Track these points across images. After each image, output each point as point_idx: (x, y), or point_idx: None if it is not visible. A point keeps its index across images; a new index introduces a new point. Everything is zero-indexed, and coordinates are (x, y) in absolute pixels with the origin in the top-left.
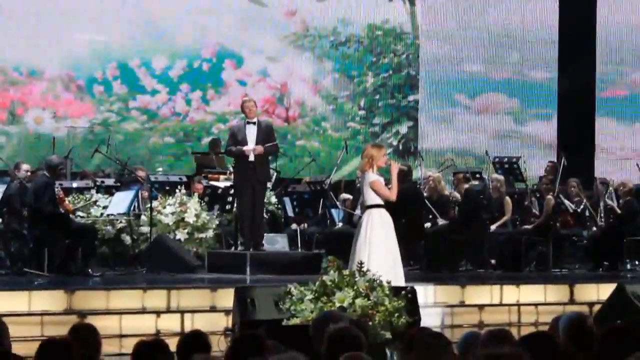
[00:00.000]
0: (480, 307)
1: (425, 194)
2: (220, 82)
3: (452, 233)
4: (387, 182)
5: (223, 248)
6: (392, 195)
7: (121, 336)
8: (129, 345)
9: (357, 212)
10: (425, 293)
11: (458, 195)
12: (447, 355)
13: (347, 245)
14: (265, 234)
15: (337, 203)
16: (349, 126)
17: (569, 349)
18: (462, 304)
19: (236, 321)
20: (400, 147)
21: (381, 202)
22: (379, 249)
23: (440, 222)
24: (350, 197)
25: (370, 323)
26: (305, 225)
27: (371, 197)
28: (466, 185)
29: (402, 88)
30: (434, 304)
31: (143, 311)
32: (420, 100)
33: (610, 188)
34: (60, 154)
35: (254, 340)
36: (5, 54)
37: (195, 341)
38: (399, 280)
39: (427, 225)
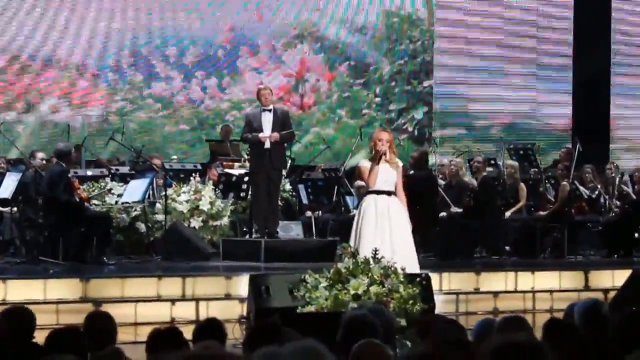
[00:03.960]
0: (495, 294)
1: (444, 179)
2: (235, 69)
3: (466, 220)
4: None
5: (238, 236)
6: (369, 181)
7: (136, 324)
8: (144, 333)
9: None
10: (440, 280)
11: (475, 182)
12: (461, 343)
13: None
14: (279, 222)
15: (352, 190)
16: (364, 113)
17: (585, 336)
18: (476, 291)
19: (251, 309)
20: (416, 133)
21: (370, 188)
22: (353, 236)
23: (454, 210)
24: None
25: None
26: (320, 212)
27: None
28: (484, 173)
29: (418, 74)
30: (449, 291)
31: (158, 299)
32: (435, 87)
33: (626, 175)
34: (75, 142)
35: (271, 328)
36: (20, 42)
37: (210, 329)
38: (409, 266)
39: (442, 213)
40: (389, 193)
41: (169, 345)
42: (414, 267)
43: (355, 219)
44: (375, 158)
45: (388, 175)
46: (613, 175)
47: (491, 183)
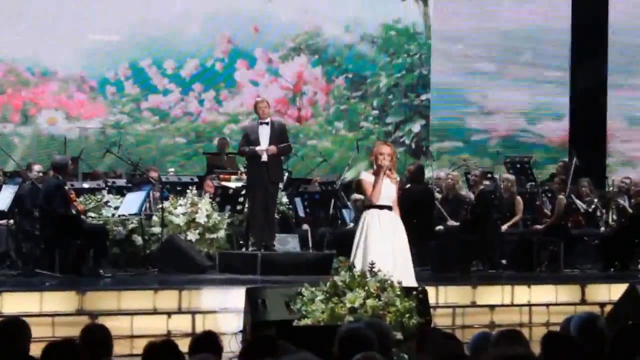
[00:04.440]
0: (492, 307)
1: (441, 192)
2: (232, 82)
3: (463, 233)
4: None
5: (234, 249)
6: (372, 197)
7: (132, 337)
8: (140, 346)
9: None
10: (437, 293)
11: (472, 196)
12: (458, 356)
13: None
14: (276, 235)
15: (348, 203)
16: (362, 126)
17: (582, 349)
18: (473, 305)
19: (247, 322)
20: (413, 145)
21: (370, 202)
22: (353, 250)
23: (451, 223)
24: (362, 197)
25: None
26: (321, 215)
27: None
28: (481, 186)
29: (415, 87)
30: (445, 304)
31: (154, 312)
32: (432, 100)
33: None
34: (72, 155)
35: (266, 341)
36: (17, 54)
37: (206, 342)
38: (407, 281)
39: (439, 227)
40: (390, 208)
41: (165, 359)
42: (412, 283)
43: (358, 232)
44: (378, 172)
45: (389, 190)
46: (611, 189)
47: (488, 196)
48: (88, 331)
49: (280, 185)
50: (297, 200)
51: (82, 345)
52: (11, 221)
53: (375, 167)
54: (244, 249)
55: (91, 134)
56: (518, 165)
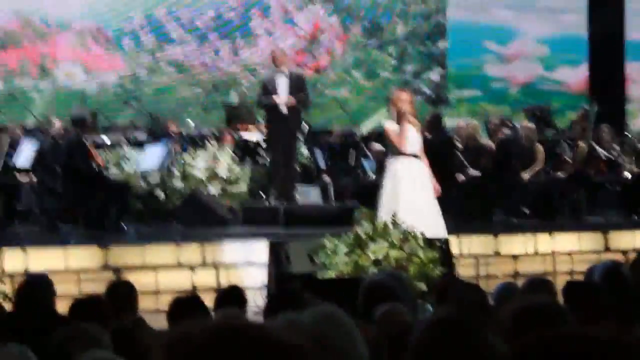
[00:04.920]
0: (515, 257)
1: (461, 142)
2: (248, 32)
3: (484, 182)
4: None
5: (256, 201)
6: (401, 145)
7: (157, 292)
8: (165, 302)
9: None
10: (460, 244)
11: (492, 144)
12: (481, 306)
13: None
14: (298, 187)
15: (369, 154)
16: (380, 75)
17: (605, 297)
18: (496, 254)
19: (271, 276)
20: (432, 94)
21: (399, 151)
22: (381, 199)
23: (471, 173)
24: (382, 148)
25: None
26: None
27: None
28: (501, 135)
29: (432, 36)
30: (468, 254)
31: (178, 266)
32: (450, 48)
33: None
34: (91, 109)
35: (290, 294)
36: (31, 5)
37: (231, 296)
38: (432, 230)
39: (459, 176)
40: (416, 156)
41: (191, 313)
42: (441, 232)
43: (385, 182)
44: (401, 119)
45: (414, 137)
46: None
47: (509, 145)
48: (113, 287)
49: (301, 137)
50: (317, 152)
51: (108, 301)
52: (34, 178)
53: (395, 115)
54: (266, 202)
55: (109, 87)
56: (538, 113)
